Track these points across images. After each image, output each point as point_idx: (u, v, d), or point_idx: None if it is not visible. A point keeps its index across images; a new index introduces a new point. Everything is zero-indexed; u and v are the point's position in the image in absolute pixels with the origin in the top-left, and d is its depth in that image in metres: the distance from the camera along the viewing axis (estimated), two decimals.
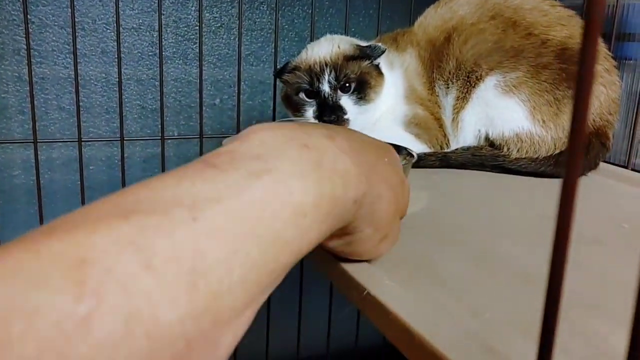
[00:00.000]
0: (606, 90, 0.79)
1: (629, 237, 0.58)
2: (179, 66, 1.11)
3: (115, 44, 0.96)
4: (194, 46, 1.10)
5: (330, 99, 0.80)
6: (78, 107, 0.92)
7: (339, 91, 0.80)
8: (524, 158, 0.80)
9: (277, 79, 0.88)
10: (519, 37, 0.80)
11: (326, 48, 0.83)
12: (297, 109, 0.83)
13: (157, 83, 1.04)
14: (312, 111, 0.81)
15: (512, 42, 0.80)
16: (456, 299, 0.41)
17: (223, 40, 1.13)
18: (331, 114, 0.79)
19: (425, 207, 0.66)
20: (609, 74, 0.80)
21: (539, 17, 0.81)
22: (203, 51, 1.08)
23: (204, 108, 1.04)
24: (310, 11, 1.14)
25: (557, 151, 0.79)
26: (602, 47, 0.82)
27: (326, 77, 0.80)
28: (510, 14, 0.82)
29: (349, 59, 0.81)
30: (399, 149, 0.67)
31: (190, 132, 1.14)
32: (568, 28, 0.81)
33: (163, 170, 1.01)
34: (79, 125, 0.94)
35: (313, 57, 0.82)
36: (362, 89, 0.81)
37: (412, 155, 0.66)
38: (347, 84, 0.80)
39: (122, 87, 0.98)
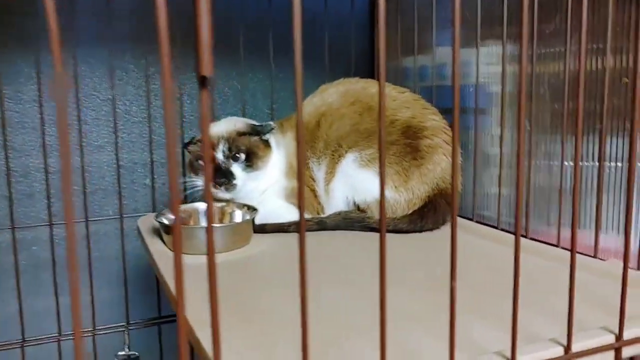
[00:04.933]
0: (447, 158, 0.97)
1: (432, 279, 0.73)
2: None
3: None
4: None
5: (222, 165, 0.96)
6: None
7: (230, 160, 0.97)
8: (386, 218, 0.95)
9: (184, 149, 1.04)
10: (372, 119, 0.97)
11: (224, 126, 1.00)
12: (196, 173, 0.99)
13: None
14: None
15: (366, 125, 0.97)
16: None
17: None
18: (222, 177, 0.96)
19: (280, 264, 0.81)
20: (449, 145, 0.98)
21: (389, 102, 0.99)
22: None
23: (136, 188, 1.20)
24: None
25: (410, 211, 0.95)
26: (442, 121, 1.00)
27: (220, 147, 0.96)
28: (368, 100, 1.00)
29: (241, 134, 0.98)
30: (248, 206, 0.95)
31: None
32: (412, 110, 0.99)
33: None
34: None
35: (212, 132, 0.99)
36: (251, 159, 0.98)
37: (255, 209, 0.92)
38: (238, 154, 0.97)
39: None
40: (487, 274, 0.75)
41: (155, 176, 1.30)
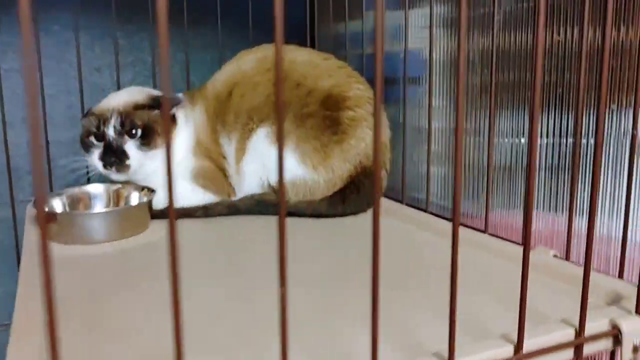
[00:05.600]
0: (371, 132, 0.86)
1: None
2: None
3: None
4: None
5: (114, 142, 0.84)
6: None
7: (125, 136, 0.84)
8: (303, 202, 0.85)
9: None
10: (288, 89, 0.86)
11: (122, 97, 0.87)
12: (86, 151, 0.86)
13: None
14: (98, 153, 0.85)
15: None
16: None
17: None
18: (112, 156, 0.83)
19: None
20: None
21: (309, 70, 0.88)
22: None
23: None
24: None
25: (330, 193, 0.85)
26: (368, 91, 0.89)
27: (112, 122, 0.84)
28: (285, 68, 0.88)
29: (138, 107, 0.85)
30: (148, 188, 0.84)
31: None
32: (335, 78, 0.87)
33: None
34: None
35: (107, 105, 0.86)
36: (148, 136, 0.85)
37: (153, 191, 0.82)
38: (133, 130, 0.84)
39: None
40: (403, 265, 0.65)
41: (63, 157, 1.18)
